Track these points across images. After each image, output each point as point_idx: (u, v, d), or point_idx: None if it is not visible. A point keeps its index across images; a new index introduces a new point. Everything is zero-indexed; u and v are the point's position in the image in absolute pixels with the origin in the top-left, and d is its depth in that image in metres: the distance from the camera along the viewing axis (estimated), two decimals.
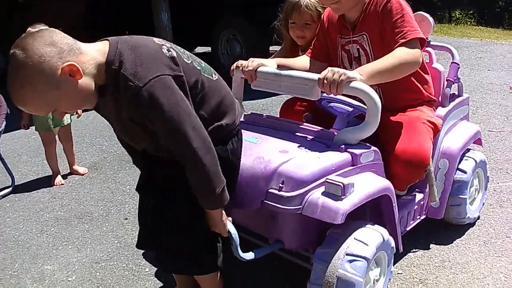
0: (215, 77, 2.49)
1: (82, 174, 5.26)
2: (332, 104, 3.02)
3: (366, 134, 2.73)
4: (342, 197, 2.44)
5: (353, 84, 2.60)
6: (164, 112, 2.09)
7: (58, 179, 5.10)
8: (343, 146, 2.69)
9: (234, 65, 3.16)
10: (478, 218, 3.77)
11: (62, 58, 1.99)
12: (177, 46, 2.36)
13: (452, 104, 3.51)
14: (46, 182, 5.15)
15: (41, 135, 5.11)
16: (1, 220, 4.37)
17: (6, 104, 4.85)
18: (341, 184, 2.43)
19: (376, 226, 2.69)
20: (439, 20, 24.23)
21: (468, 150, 3.59)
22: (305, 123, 3.03)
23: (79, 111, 5.04)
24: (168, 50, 2.22)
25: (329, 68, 2.66)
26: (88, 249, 3.75)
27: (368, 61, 3.03)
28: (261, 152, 2.69)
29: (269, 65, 3.06)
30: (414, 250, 3.43)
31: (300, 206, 2.49)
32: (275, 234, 2.75)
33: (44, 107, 2.09)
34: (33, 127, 5.09)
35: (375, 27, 3.00)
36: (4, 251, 3.83)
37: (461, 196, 3.46)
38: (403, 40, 2.83)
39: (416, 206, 3.25)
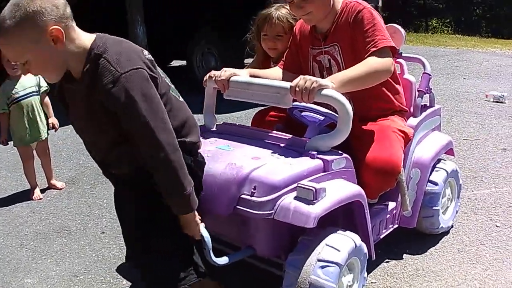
0: (180, 99, 2.54)
1: (60, 189, 5.24)
2: (303, 113, 3.05)
3: (337, 141, 2.76)
4: (314, 201, 2.46)
5: (324, 91, 2.64)
6: (138, 102, 2.14)
7: (37, 193, 5.08)
8: (314, 152, 2.72)
9: (207, 75, 3.17)
10: (452, 226, 3.81)
11: (57, 22, 2.11)
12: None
13: (424, 114, 3.56)
14: (24, 196, 5.12)
15: (19, 150, 5.11)
16: None
17: None
18: (313, 189, 2.45)
19: (348, 232, 2.71)
20: (415, 29, 24.43)
21: (439, 160, 3.63)
22: (277, 132, 3.06)
23: (56, 125, 5.07)
24: (148, 54, 2.32)
25: (301, 76, 2.70)
26: (66, 262, 3.75)
27: (339, 71, 3.05)
28: (233, 159, 2.71)
29: (242, 75, 3.08)
30: (387, 259, 3.45)
31: (272, 211, 2.51)
32: (248, 241, 2.77)
33: (15, 51, 2.16)
34: (11, 143, 5.09)
35: (347, 37, 3.05)
36: None
37: (433, 207, 3.49)
38: (374, 49, 2.88)
39: (388, 215, 3.27)
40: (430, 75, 3.66)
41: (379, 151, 2.97)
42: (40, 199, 5.03)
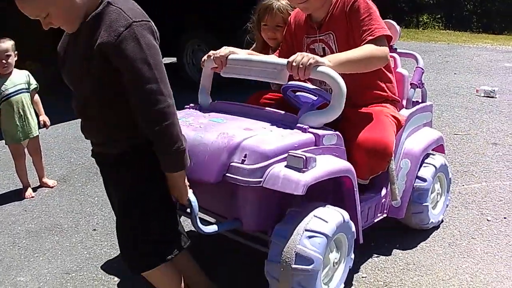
0: None
1: (52, 187, 5.22)
2: (297, 93, 3.07)
3: (330, 118, 2.79)
4: (304, 169, 2.47)
5: (320, 68, 2.68)
6: (144, 50, 2.19)
7: (29, 192, 5.06)
8: (306, 126, 2.74)
9: (206, 56, 3.22)
10: (442, 221, 3.83)
11: None
12: None
13: (416, 107, 3.59)
14: (16, 195, 5.10)
15: (11, 148, 5.09)
16: None
17: None
18: (303, 157, 2.47)
19: (337, 208, 2.72)
20: (406, 25, 24.46)
21: (428, 155, 3.64)
22: (270, 108, 3.08)
23: (47, 123, 5.07)
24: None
25: (299, 53, 2.74)
26: (58, 260, 3.74)
27: None
28: (225, 129, 2.72)
29: (240, 54, 3.14)
30: (378, 254, 3.47)
31: (262, 179, 2.51)
32: (235, 213, 2.77)
33: (40, 3, 2.18)
34: (3, 141, 5.09)
35: (342, 27, 3.08)
36: None
37: (423, 204, 3.50)
38: (371, 38, 2.92)
39: (377, 203, 3.28)
40: (423, 69, 3.73)
41: (371, 132, 2.98)
42: (32, 197, 5.01)
